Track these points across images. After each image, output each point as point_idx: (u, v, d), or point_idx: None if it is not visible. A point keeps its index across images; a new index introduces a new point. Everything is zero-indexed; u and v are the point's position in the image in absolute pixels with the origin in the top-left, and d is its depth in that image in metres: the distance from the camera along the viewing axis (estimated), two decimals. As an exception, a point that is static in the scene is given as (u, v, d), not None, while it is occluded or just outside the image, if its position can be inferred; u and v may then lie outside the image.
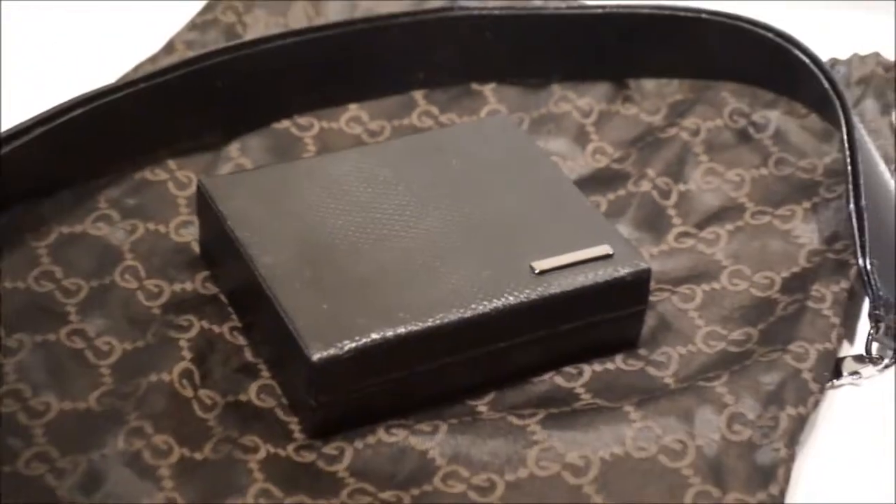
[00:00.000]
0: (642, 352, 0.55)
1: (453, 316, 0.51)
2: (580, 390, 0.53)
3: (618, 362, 0.55)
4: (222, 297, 0.56)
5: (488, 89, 0.66)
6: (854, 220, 0.56)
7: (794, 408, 0.51)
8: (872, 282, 0.55)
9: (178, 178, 0.61)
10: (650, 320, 0.56)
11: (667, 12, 0.65)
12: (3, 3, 0.69)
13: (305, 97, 0.64)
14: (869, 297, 0.55)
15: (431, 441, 0.50)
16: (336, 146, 0.63)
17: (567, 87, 0.66)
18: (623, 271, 0.53)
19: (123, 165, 0.60)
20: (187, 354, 0.53)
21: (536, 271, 0.53)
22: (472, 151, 0.58)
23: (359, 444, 0.50)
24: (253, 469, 0.49)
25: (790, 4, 0.72)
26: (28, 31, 0.70)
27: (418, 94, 0.66)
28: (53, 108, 0.58)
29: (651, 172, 0.62)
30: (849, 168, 0.58)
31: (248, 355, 0.54)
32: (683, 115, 0.65)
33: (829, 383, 0.54)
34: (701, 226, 0.60)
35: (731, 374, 0.53)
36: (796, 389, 0.52)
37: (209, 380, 0.52)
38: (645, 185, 0.62)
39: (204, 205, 0.56)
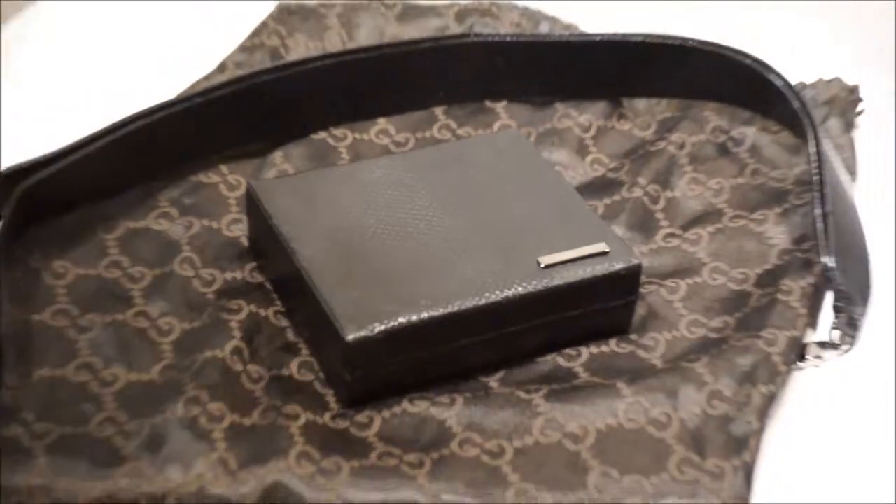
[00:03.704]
0: (633, 337, 0.57)
1: (469, 303, 0.53)
2: (579, 369, 0.55)
3: (612, 345, 0.56)
4: (268, 285, 0.58)
5: (500, 107, 0.68)
6: (820, 224, 0.58)
7: (765, 386, 0.53)
8: (834, 277, 0.56)
9: (229, 180, 0.63)
10: (640, 309, 0.57)
11: (657, 40, 0.66)
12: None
13: (340, 111, 0.66)
14: (832, 291, 0.56)
15: (449, 412, 0.52)
16: (367, 155, 0.65)
17: (569, 105, 0.68)
18: (617, 266, 0.55)
19: (181, 169, 0.62)
20: (237, 334, 0.54)
21: (542, 265, 0.54)
22: (486, 161, 0.60)
23: (386, 413, 0.52)
24: (294, 434, 0.51)
25: (765, 27, 0.72)
26: (108, 49, 0.72)
27: (439, 110, 0.68)
28: (120, 121, 0.60)
29: (642, 181, 0.64)
30: (816, 178, 0.59)
31: (290, 335, 0.56)
32: (671, 130, 0.66)
33: (796, 365, 0.56)
34: (685, 227, 0.62)
35: (710, 357, 0.54)
36: (767, 370, 0.54)
37: (256, 356, 0.54)
38: (637, 192, 0.63)
39: (252, 204, 0.58)
